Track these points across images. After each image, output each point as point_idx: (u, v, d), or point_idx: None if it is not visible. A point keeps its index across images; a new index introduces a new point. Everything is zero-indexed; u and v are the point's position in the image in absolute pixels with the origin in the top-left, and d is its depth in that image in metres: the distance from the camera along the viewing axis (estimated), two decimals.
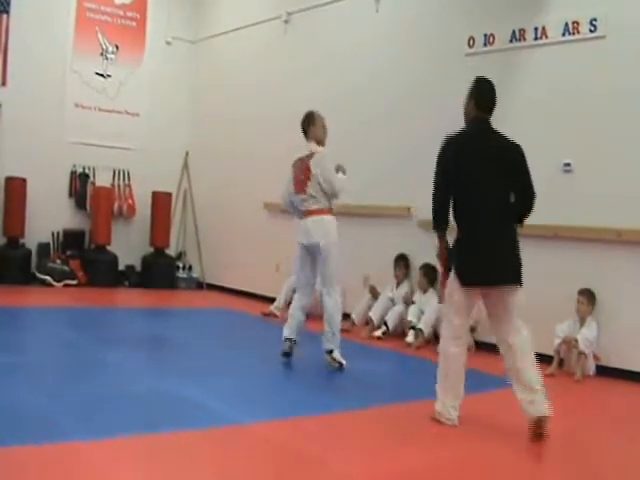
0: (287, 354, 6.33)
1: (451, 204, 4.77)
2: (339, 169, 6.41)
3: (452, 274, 4.77)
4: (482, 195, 4.66)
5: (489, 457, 4.19)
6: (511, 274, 4.66)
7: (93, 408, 4.53)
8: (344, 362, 6.21)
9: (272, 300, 9.43)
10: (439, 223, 4.79)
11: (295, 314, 6.42)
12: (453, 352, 4.74)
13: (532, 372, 4.57)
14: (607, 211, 6.75)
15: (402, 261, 8.45)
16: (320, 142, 6.38)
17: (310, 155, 6.32)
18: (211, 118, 12.14)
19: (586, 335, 6.58)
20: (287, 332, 6.38)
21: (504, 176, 4.68)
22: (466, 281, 4.68)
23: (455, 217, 4.80)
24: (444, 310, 4.96)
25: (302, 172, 6.31)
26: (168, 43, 12.32)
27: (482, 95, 4.82)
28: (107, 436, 3.94)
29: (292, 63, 10.46)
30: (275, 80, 10.72)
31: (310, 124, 6.41)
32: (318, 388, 5.69)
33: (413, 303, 7.99)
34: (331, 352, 6.24)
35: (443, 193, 4.77)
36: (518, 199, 4.75)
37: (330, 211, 6.32)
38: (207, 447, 3.99)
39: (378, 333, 7.94)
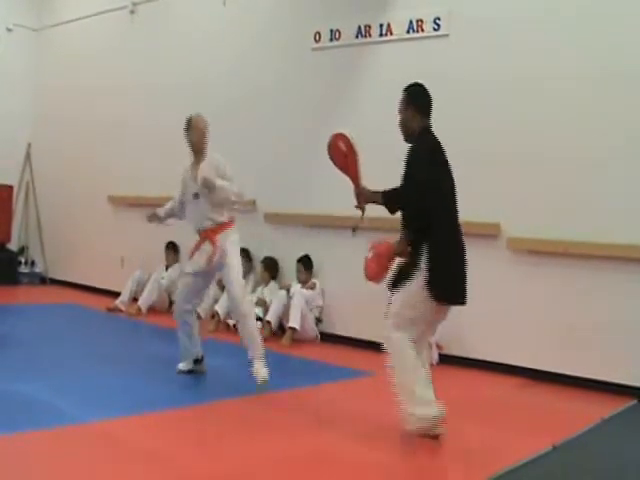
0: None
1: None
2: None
3: (417, 285, 4.35)
4: (454, 208, 4.48)
5: (341, 447, 4.29)
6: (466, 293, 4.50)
7: None
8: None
9: (117, 295, 9.37)
10: (420, 225, 4.37)
11: None
12: (410, 353, 4.44)
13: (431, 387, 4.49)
14: None
15: (242, 256, 8.51)
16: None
17: None
18: (55, 109, 11.76)
19: None
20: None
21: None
22: (441, 297, 4.36)
23: (430, 228, 4.35)
24: (405, 312, 4.44)
25: None
26: (9, 30, 11.83)
27: (422, 99, 4.53)
28: None
29: (139, 55, 10.32)
30: (121, 72, 10.53)
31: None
32: (165, 384, 5.65)
33: (263, 302, 8.04)
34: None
35: (434, 193, 4.32)
36: None
37: None
38: (51, 447, 3.96)
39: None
